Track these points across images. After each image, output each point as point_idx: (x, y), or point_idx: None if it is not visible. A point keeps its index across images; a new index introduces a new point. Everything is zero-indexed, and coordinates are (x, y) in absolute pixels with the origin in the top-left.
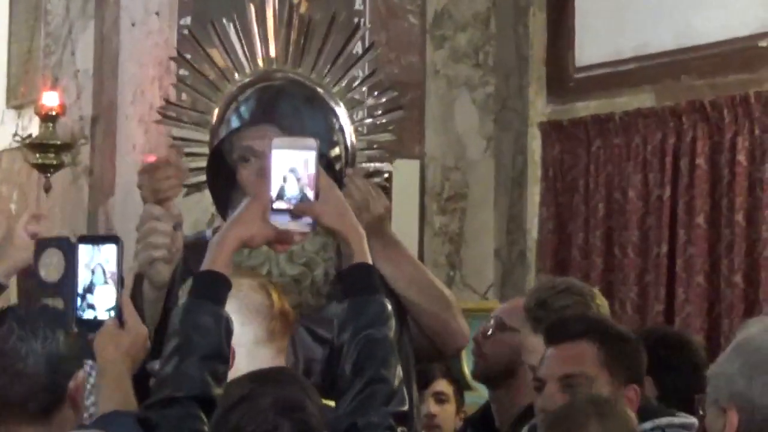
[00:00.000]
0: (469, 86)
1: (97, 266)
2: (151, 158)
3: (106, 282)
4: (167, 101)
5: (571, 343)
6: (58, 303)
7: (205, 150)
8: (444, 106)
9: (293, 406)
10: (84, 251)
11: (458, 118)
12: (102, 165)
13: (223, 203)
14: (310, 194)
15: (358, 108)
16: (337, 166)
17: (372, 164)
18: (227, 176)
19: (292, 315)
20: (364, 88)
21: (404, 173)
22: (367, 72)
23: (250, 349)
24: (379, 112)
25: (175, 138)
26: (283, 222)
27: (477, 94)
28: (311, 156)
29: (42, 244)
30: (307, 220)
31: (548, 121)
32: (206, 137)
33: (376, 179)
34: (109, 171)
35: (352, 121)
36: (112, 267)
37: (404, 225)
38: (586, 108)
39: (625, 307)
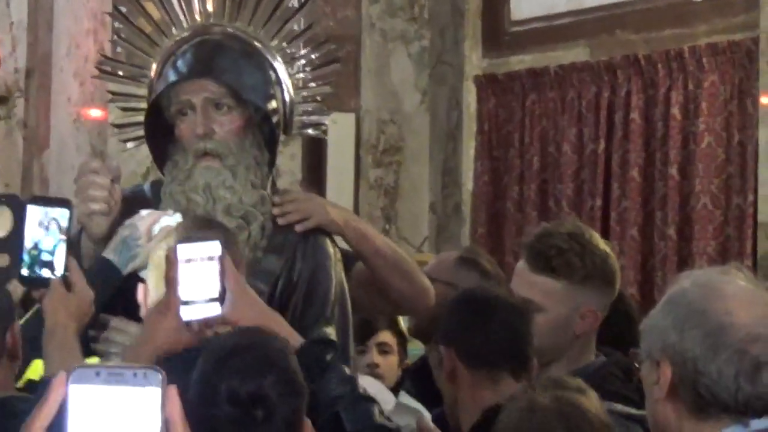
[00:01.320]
0: (404, 40)
1: (52, 221)
2: (92, 112)
3: (61, 240)
4: (104, 56)
5: None
6: (3, 260)
7: (143, 105)
8: (379, 60)
9: (275, 360)
10: (35, 212)
11: (393, 71)
12: (37, 118)
13: (161, 157)
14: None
15: (296, 62)
16: (274, 119)
17: (310, 117)
18: (165, 130)
19: None
20: (301, 42)
21: (340, 126)
22: (303, 26)
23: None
24: (317, 65)
25: (112, 93)
26: (194, 316)
27: (412, 47)
28: (216, 252)
29: None
30: (215, 304)
31: (483, 74)
32: (144, 92)
33: (314, 132)
34: (44, 124)
35: (290, 75)
36: (64, 226)
37: (340, 178)
38: (521, 62)
39: None
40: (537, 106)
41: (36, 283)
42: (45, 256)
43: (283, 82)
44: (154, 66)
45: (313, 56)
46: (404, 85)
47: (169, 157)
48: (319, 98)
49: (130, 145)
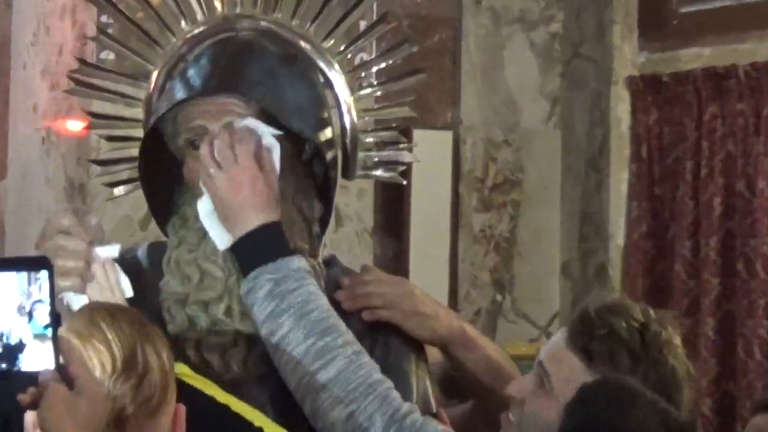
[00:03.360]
0: (525, 24)
1: (36, 305)
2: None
3: (50, 332)
4: (83, 61)
5: None
6: None
7: (138, 132)
8: (488, 53)
9: None
10: (4, 282)
11: (509, 70)
12: None
13: (163, 208)
14: None
15: (362, 71)
16: (329, 156)
17: (381, 153)
18: (169, 170)
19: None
20: (370, 42)
21: (430, 150)
22: (375, 17)
23: None
24: (393, 76)
25: (93, 115)
26: None
27: (537, 35)
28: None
29: None
30: None
31: (641, 75)
32: (139, 114)
33: (388, 175)
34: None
35: (352, 91)
36: (46, 298)
37: (429, 225)
38: (696, 57)
39: (751, 352)
40: (719, 122)
41: (19, 381)
42: (25, 344)
43: (342, 101)
44: (154, 76)
45: (387, 62)
46: (524, 90)
47: (174, 210)
48: (396, 124)
49: (118, 191)
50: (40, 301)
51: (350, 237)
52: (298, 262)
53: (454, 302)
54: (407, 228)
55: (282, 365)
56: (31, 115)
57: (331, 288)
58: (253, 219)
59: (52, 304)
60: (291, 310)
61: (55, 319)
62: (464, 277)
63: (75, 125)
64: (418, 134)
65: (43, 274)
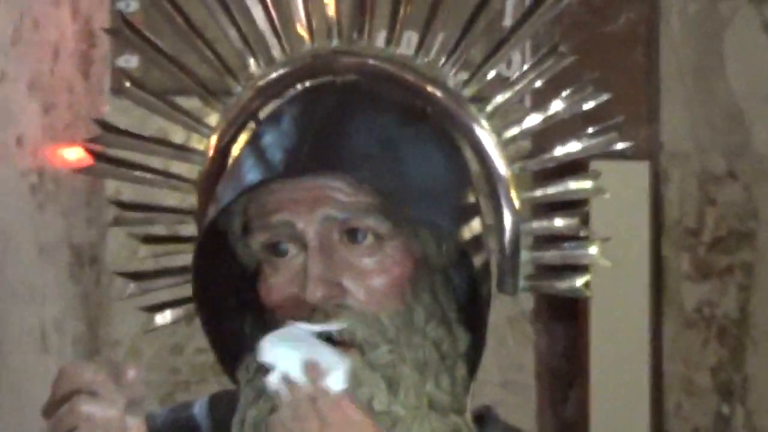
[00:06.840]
0: None
1: None
2: None
3: None
4: (103, 124)
5: None
6: None
7: (188, 229)
8: (703, 40)
9: None
10: None
11: (734, 64)
12: None
13: (230, 342)
14: None
15: (523, 129)
16: (478, 260)
17: (555, 253)
18: (236, 285)
19: None
20: (535, 84)
21: (615, 191)
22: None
23: None
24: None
25: (119, 205)
26: None
27: None
28: None
29: None
30: None
31: None
32: (188, 202)
33: (566, 287)
34: None
35: (511, 160)
36: None
37: (621, 301)
38: None
39: None
40: None
41: None
42: None
43: (496, 176)
44: (212, 142)
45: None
46: (758, 95)
47: (247, 345)
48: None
49: (161, 319)
50: None
51: (498, 326)
52: None
53: (657, 418)
54: (586, 309)
55: None
56: (13, 150)
57: None
58: None
59: None
60: None
61: None
62: (673, 379)
63: (72, 155)
64: (597, 167)
65: None
